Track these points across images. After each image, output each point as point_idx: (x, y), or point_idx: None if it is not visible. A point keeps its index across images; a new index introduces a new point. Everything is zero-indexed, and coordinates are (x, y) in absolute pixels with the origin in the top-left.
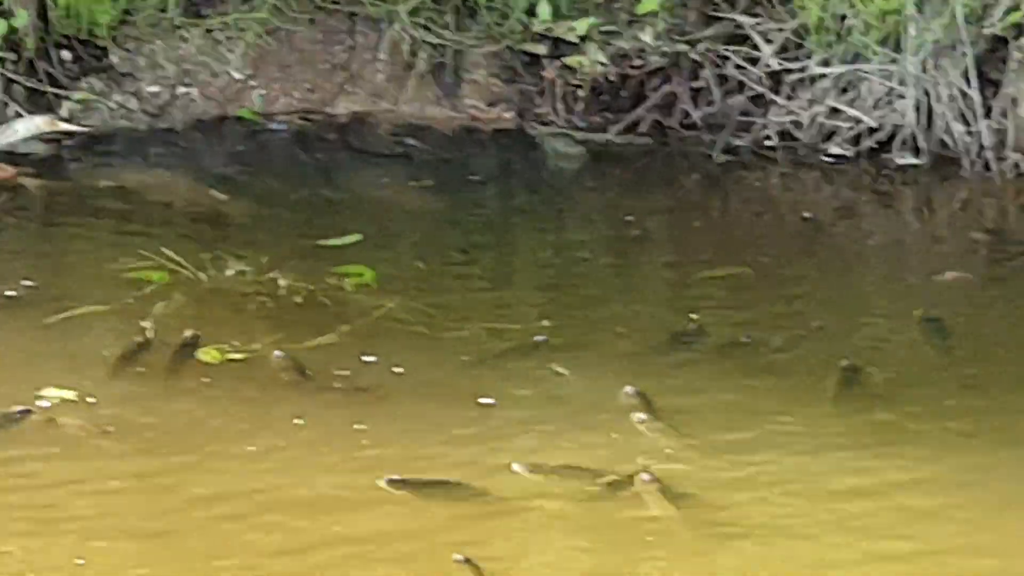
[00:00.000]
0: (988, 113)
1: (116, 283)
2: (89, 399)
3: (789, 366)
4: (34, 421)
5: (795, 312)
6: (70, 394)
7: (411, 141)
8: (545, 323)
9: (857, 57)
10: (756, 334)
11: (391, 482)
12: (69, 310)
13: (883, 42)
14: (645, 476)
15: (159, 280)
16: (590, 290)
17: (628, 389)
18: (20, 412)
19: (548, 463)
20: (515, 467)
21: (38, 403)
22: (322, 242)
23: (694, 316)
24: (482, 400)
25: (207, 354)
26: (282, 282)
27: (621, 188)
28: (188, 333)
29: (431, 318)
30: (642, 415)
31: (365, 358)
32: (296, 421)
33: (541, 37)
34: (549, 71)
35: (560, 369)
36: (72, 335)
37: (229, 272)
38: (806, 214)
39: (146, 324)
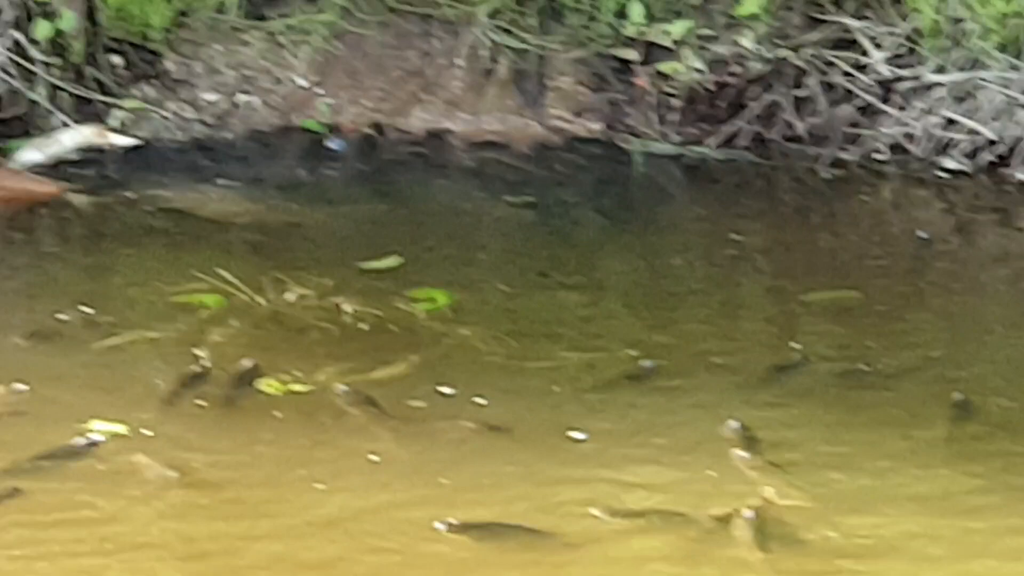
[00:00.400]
0: None
1: (169, 307)
2: (144, 431)
3: (900, 399)
4: (98, 454)
5: (908, 339)
6: (121, 427)
7: (490, 154)
8: (633, 352)
9: (975, 64)
10: (866, 363)
11: (451, 527)
12: (119, 336)
13: (1003, 48)
14: (747, 513)
15: (215, 305)
16: (686, 315)
17: (731, 423)
18: (84, 445)
19: (631, 506)
20: (593, 511)
21: (89, 436)
22: (363, 265)
23: (796, 346)
24: (574, 434)
25: (268, 385)
26: (347, 307)
27: (719, 205)
28: (247, 363)
29: (512, 346)
30: (743, 452)
31: (442, 389)
32: (371, 457)
33: (632, 42)
34: (640, 79)
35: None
36: (123, 363)
37: (290, 296)
38: (921, 233)
39: (200, 353)
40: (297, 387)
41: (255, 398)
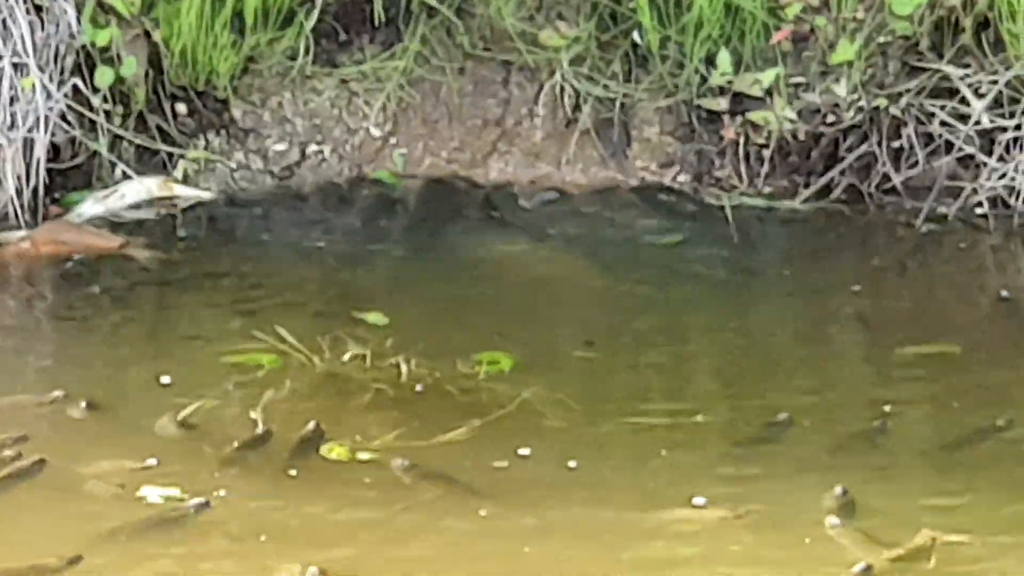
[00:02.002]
0: None
1: (225, 368)
2: (220, 492)
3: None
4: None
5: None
6: (174, 491)
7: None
8: (700, 417)
9: None
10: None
11: None
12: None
13: None
14: None
15: (269, 364)
16: (772, 374)
17: (837, 490)
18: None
19: None
20: None
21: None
22: (357, 315)
23: (887, 409)
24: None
25: (332, 451)
26: (404, 368)
27: (811, 259)
28: (310, 426)
29: (575, 409)
30: (835, 519)
31: (521, 451)
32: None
33: (721, 91)
34: (730, 129)
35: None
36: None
37: (346, 357)
38: (1004, 293)
39: (255, 415)
40: (365, 455)
41: (319, 464)
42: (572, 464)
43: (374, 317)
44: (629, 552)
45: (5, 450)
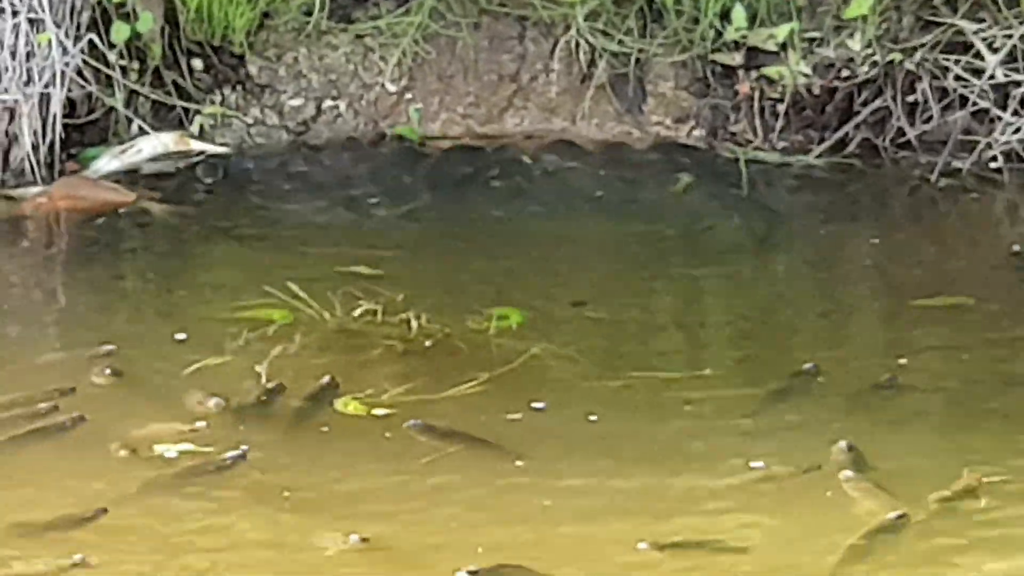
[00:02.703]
0: None
1: (237, 323)
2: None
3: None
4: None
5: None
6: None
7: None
8: (709, 371)
9: None
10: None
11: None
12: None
13: None
14: None
15: (281, 320)
16: (787, 330)
17: (842, 444)
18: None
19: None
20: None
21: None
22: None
23: (902, 361)
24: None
25: (348, 406)
26: (414, 323)
27: (825, 214)
28: (324, 380)
29: (588, 365)
30: (850, 472)
31: (535, 404)
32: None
33: (736, 45)
34: (744, 84)
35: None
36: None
37: (357, 312)
38: (1016, 247)
39: (261, 370)
40: (381, 409)
41: (335, 418)
42: (593, 418)
43: (370, 270)
44: (658, 504)
45: (41, 403)
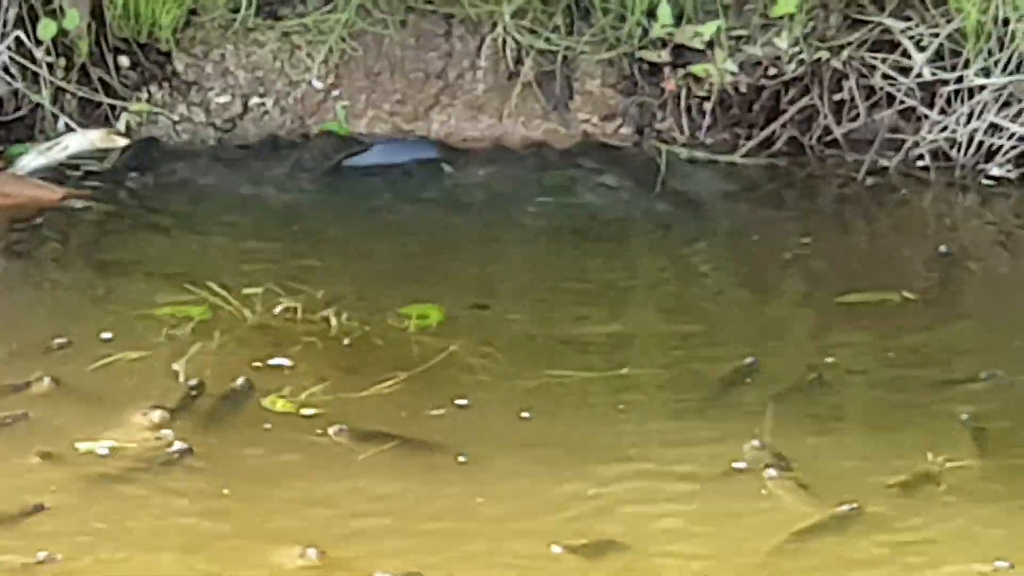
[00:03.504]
0: None
1: (155, 321)
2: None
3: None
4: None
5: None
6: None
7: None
8: (627, 370)
9: (1021, 66)
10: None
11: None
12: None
13: None
14: None
15: (199, 317)
16: (712, 327)
17: (755, 442)
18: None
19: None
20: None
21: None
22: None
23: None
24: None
25: (275, 403)
26: (334, 321)
27: (752, 213)
28: (240, 380)
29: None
30: (773, 472)
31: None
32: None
33: (663, 43)
34: (670, 82)
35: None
36: (107, 380)
37: (277, 309)
38: (942, 248)
39: (178, 367)
40: (307, 408)
41: (259, 416)
42: (525, 415)
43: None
44: (591, 501)
45: None
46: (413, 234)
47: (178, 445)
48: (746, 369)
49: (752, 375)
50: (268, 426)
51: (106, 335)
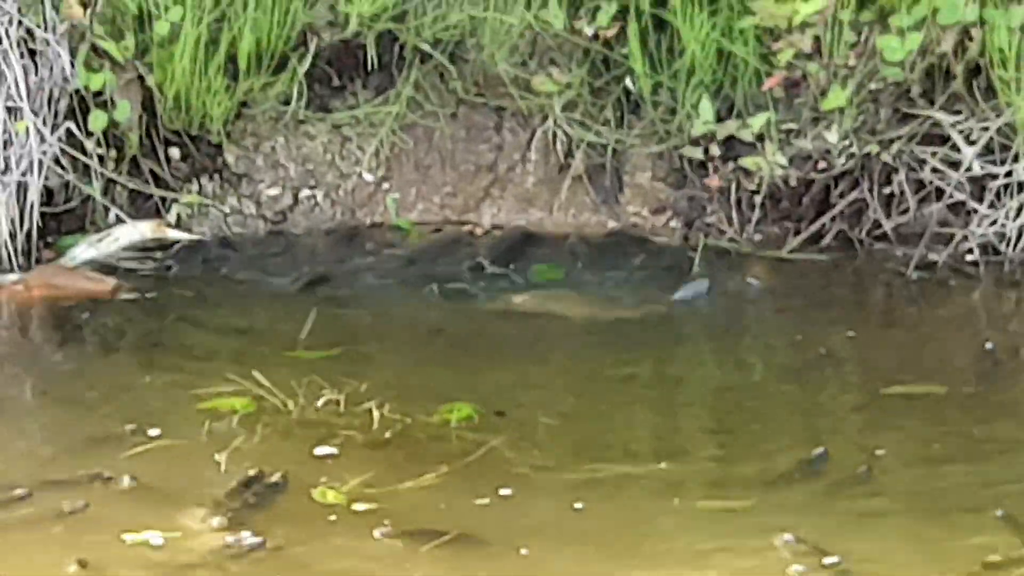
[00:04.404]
0: None
1: (201, 412)
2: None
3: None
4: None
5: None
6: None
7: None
8: (673, 463)
9: None
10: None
11: None
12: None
13: None
14: None
15: (243, 408)
16: (761, 419)
17: (786, 537)
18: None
19: None
20: None
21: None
22: (292, 354)
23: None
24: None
25: (324, 495)
26: (376, 414)
27: (800, 306)
28: (285, 472)
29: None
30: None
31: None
32: None
33: (712, 137)
34: (714, 178)
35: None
36: (155, 472)
37: (320, 402)
38: (989, 344)
39: (222, 459)
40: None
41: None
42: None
43: (361, 361)
44: None
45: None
46: (458, 330)
47: (246, 538)
48: (815, 460)
49: (820, 465)
50: (332, 518)
51: (153, 429)
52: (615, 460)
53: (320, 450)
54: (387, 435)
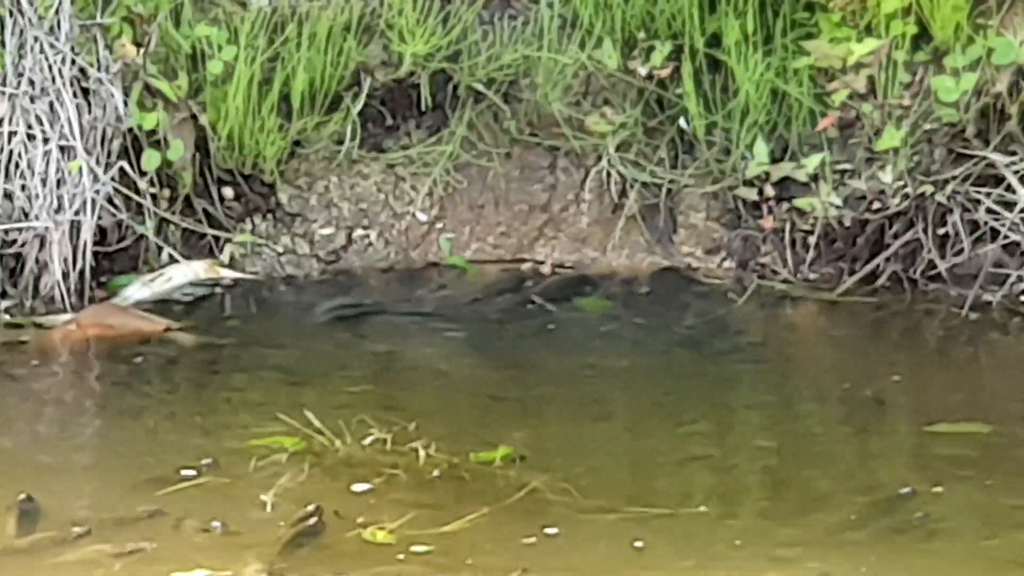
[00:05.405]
0: None
1: (250, 451)
2: None
3: None
4: None
5: None
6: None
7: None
8: (706, 508)
9: None
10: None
11: None
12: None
13: None
14: None
15: (292, 447)
16: (812, 457)
17: None
18: None
19: None
20: None
21: None
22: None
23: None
24: None
25: (375, 535)
26: (422, 453)
27: (854, 347)
28: (334, 510)
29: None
30: None
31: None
32: None
33: (766, 177)
34: (768, 219)
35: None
36: (203, 509)
37: (366, 441)
38: None
39: (268, 498)
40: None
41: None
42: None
43: (411, 401)
44: None
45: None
46: (509, 368)
47: None
48: (899, 499)
49: (908, 503)
50: (400, 557)
51: (205, 467)
52: (670, 501)
53: (357, 487)
54: (435, 473)
